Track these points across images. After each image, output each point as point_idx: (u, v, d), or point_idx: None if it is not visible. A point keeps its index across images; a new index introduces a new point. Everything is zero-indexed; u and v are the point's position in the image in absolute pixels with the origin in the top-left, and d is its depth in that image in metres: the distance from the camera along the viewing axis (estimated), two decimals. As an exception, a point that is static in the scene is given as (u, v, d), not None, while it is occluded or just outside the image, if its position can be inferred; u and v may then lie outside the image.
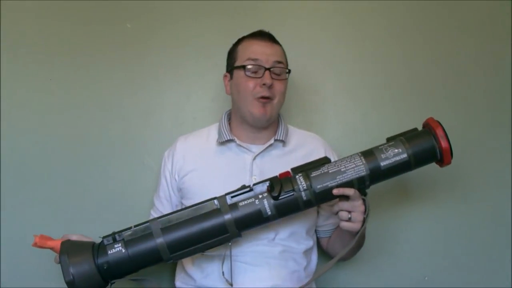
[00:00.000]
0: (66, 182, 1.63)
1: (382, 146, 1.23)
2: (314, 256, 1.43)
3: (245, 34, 1.41)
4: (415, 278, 1.67)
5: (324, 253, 1.51)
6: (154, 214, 1.47)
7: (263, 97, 1.34)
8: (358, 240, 1.30)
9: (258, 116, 1.35)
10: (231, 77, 1.41)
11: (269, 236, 1.33)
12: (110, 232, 1.22)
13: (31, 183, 1.62)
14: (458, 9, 1.73)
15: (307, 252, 1.39)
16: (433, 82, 1.71)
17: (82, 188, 1.63)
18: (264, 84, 1.33)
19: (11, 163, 1.61)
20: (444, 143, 1.21)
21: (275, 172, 1.24)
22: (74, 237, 1.26)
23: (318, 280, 1.49)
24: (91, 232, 1.51)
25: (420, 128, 1.29)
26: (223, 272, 1.26)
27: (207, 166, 1.39)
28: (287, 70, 1.40)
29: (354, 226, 1.22)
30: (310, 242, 1.40)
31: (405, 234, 1.68)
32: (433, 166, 1.30)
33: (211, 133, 1.45)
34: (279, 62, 1.37)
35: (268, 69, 1.34)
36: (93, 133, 1.65)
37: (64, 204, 1.62)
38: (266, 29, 1.42)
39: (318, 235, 1.49)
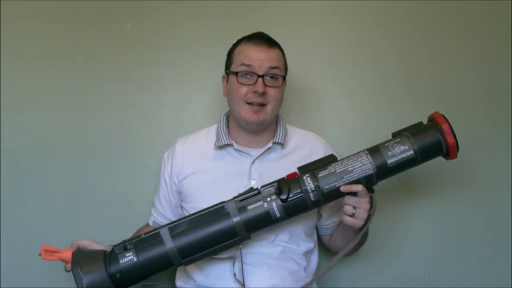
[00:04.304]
0: (66, 182, 1.63)
1: (388, 143, 1.23)
2: (315, 257, 1.44)
3: (245, 34, 1.41)
4: (415, 278, 1.67)
5: (324, 254, 1.52)
6: (154, 214, 1.49)
7: (255, 104, 1.33)
8: (363, 235, 1.30)
9: (249, 121, 1.35)
10: (227, 80, 1.40)
11: (269, 238, 1.33)
12: (111, 232, 1.23)
13: (31, 183, 1.62)
14: (457, 9, 1.73)
15: (307, 253, 1.40)
16: (432, 82, 1.71)
17: (82, 188, 1.63)
18: (256, 91, 1.32)
19: (11, 163, 1.62)
20: (450, 139, 1.22)
21: (274, 175, 1.25)
22: (84, 242, 1.26)
23: (319, 280, 1.49)
24: (91, 232, 1.52)
25: (425, 121, 1.29)
26: (234, 274, 1.27)
27: (206, 170, 1.39)
28: (283, 77, 1.38)
29: (357, 222, 1.22)
30: (310, 244, 1.40)
31: (405, 234, 1.68)
32: (437, 161, 1.31)
33: (210, 135, 1.44)
34: (274, 68, 1.35)
35: (261, 76, 1.33)
36: (93, 133, 1.65)
37: (64, 204, 1.62)
38: (267, 30, 1.41)
39: (319, 233, 1.49)
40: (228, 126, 1.44)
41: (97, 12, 1.67)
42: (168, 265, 1.20)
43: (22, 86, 1.64)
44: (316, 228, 1.48)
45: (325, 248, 1.52)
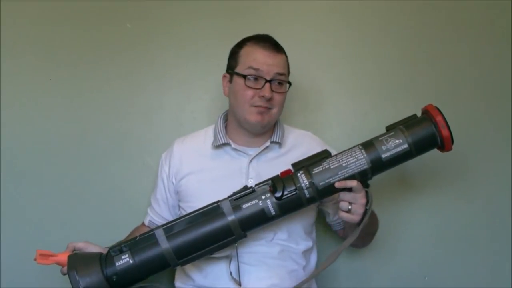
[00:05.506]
0: (66, 182, 1.63)
1: (382, 137, 1.23)
2: (314, 256, 1.44)
3: (245, 35, 1.40)
4: (415, 278, 1.67)
5: (323, 253, 1.51)
6: (151, 213, 1.49)
7: (261, 107, 1.33)
8: (371, 225, 1.31)
9: (254, 123, 1.35)
10: (231, 80, 1.40)
11: (268, 237, 1.33)
12: (110, 232, 1.23)
13: (31, 183, 1.63)
14: (457, 9, 1.73)
15: (306, 252, 1.40)
16: (432, 82, 1.71)
17: (82, 187, 1.63)
18: (263, 96, 1.32)
19: (11, 163, 1.62)
20: (445, 132, 1.21)
21: (272, 174, 1.25)
22: (80, 244, 1.26)
23: (319, 280, 1.49)
24: (91, 231, 1.52)
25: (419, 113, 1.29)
26: (230, 273, 1.27)
27: (204, 169, 1.39)
28: (288, 83, 1.39)
29: (353, 217, 1.22)
30: (309, 243, 1.40)
31: (405, 233, 1.68)
32: (434, 156, 1.31)
33: (207, 135, 1.44)
34: (281, 74, 1.35)
35: (269, 81, 1.33)
36: (93, 133, 1.65)
37: (64, 204, 1.62)
38: (267, 29, 1.41)
39: (333, 229, 1.54)
40: (226, 126, 1.44)
41: (97, 12, 1.67)
42: (164, 266, 1.20)
43: (22, 86, 1.64)
44: (329, 225, 1.52)
45: (324, 248, 1.52)
